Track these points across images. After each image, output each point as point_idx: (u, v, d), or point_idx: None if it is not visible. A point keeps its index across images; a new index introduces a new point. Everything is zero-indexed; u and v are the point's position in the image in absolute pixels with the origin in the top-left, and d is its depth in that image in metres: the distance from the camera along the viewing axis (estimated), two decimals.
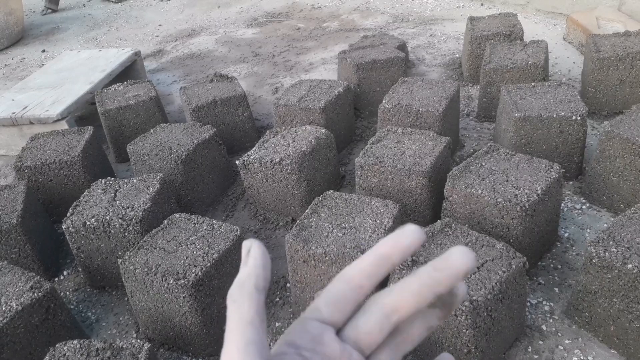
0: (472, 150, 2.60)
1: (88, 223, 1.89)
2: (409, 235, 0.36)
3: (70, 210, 1.97)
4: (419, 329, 0.37)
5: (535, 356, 1.58)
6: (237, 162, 2.28)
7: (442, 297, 0.36)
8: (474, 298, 1.36)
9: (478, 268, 1.46)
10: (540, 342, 1.62)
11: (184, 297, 1.58)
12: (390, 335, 0.37)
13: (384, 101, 2.43)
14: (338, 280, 0.37)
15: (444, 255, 0.35)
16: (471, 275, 1.43)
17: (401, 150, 2.06)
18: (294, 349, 0.35)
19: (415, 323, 0.37)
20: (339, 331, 0.37)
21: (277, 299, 1.91)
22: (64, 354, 1.39)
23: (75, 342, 1.41)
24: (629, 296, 1.44)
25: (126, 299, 1.97)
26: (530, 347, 1.61)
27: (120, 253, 1.91)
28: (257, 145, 2.29)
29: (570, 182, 2.30)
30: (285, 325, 1.80)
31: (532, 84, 2.37)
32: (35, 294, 1.59)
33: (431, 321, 0.37)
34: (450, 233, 1.61)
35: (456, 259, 0.34)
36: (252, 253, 0.37)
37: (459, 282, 0.35)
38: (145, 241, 1.74)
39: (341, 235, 1.65)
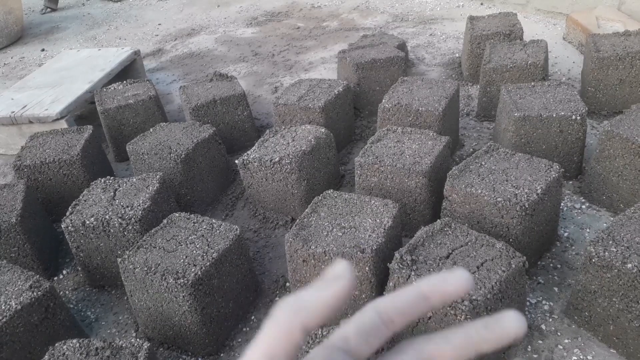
0: (471, 149, 2.60)
1: (87, 222, 1.88)
2: (456, 280, 0.35)
3: (70, 209, 1.97)
4: None
5: (535, 355, 1.58)
6: (236, 161, 2.28)
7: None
8: (474, 297, 1.36)
9: (478, 267, 1.46)
10: (540, 342, 1.62)
11: (183, 297, 1.58)
12: None
13: (383, 100, 2.43)
14: (370, 310, 0.35)
15: (497, 316, 0.34)
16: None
17: (401, 150, 2.06)
18: None
19: None
20: None
21: (277, 298, 1.91)
22: (64, 353, 1.39)
23: (74, 341, 1.41)
24: (628, 296, 1.44)
25: (125, 298, 1.97)
26: (529, 346, 1.61)
27: (119, 252, 1.91)
28: (256, 144, 2.29)
29: (570, 182, 2.30)
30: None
31: (532, 83, 2.37)
32: (35, 293, 1.59)
33: None
34: (450, 232, 1.61)
35: (511, 323, 0.33)
36: (337, 287, 0.33)
37: (505, 345, 0.33)
38: (144, 240, 1.74)
39: (341, 234, 1.65)
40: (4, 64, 4.74)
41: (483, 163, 1.89)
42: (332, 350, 0.33)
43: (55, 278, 2.15)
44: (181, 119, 3.28)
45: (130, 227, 1.87)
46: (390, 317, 0.34)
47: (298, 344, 0.32)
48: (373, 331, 0.34)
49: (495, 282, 1.41)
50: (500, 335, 0.33)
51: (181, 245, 1.71)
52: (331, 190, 1.87)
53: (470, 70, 3.22)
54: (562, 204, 2.12)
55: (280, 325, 0.32)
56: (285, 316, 0.32)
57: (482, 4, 4.65)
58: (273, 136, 2.33)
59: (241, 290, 1.81)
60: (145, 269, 1.61)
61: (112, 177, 2.14)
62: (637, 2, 3.55)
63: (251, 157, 2.20)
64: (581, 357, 1.56)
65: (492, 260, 1.48)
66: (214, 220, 1.81)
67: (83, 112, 3.51)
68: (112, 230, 1.88)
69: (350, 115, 2.81)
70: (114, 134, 2.86)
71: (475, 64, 3.17)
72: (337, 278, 0.34)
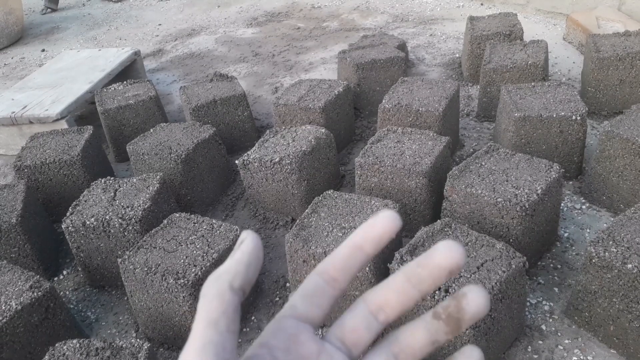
0: (472, 150, 2.60)
1: (88, 222, 1.88)
2: (381, 222, 0.34)
3: (70, 209, 1.97)
4: (421, 340, 0.34)
5: (535, 356, 1.58)
6: (236, 161, 2.28)
7: (449, 310, 0.33)
8: None
9: (478, 268, 1.46)
10: (540, 342, 1.62)
11: (183, 297, 1.58)
12: (386, 340, 0.35)
13: (383, 101, 2.43)
14: (312, 275, 0.36)
15: (430, 250, 0.33)
16: (470, 275, 1.43)
17: (401, 150, 2.06)
18: (267, 350, 0.33)
19: (417, 334, 0.34)
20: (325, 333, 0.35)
21: (277, 299, 1.91)
22: (64, 354, 1.39)
23: (74, 341, 1.41)
24: (628, 296, 1.44)
25: (126, 298, 1.97)
26: (529, 346, 1.61)
27: (119, 252, 1.91)
28: (256, 144, 2.29)
29: (570, 182, 2.30)
30: None
31: (532, 83, 2.37)
32: (35, 294, 1.59)
33: (436, 335, 0.33)
34: (450, 233, 1.61)
35: (440, 255, 0.32)
36: (242, 247, 0.35)
37: (444, 280, 0.33)
38: (144, 241, 1.74)
39: (341, 235, 1.65)
40: (5, 64, 4.75)
41: (483, 163, 1.90)
42: (282, 320, 0.34)
43: (56, 278, 2.15)
44: (181, 119, 3.29)
45: (130, 228, 1.87)
46: (332, 276, 0.35)
47: (231, 301, 0.33)
48: (318, 292, 0.35)
49: (496, 283, 1.41)
50: (433, 271, 0.33)
51: (181, 245, 1.71)
52: (331, 191, 1.87)
53: (471, 70, 3.22)
54: (562, 204, 2.11)
55: (209, 294, 0.33)
56: (210, 286, 0.33)
57: (482, 4, 4.66)
58: (273, 136, 2.33)
59: None
60: (146, 269, 1.62)
61: (112, 178, 2.14)
62: (637, 2, 3.55)
63: (251, 157, 2.20)
64: (581, 357, 1.56)
65: (492, 260, 1.48)
66: (214, 221, 1.81)
67: (83, 112, 3.51)
68: (112, 231, 1.88)
69: (351, 116, 2.81)
70: (114, 134, 2.86)
71: (475, 64, 3.17)
72: (240, 242, 0.35)
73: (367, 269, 1.57)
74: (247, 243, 0.35)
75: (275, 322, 0.35)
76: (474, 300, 0.32)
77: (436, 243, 0.33)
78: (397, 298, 0.34)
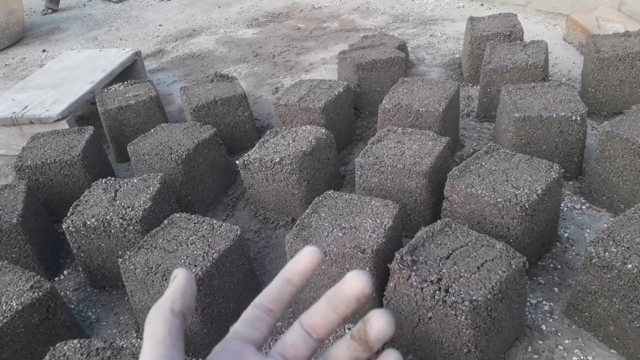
0: (472, 150, 2.60)
1: (88, 223, 1.89)
2: (303, 258, 0.40)
3: (71, 209, 1.97)
4: (345, 356, 0.39)
5: (535, 356, 1.58)
6: (237, 162, 2.28)
7: (359, 333, 0.37)
8: (474, 298, 1.36)
9: (478, 268, 1.46)
10: (540, 342, 1.62)
11: None
12: (322, 355, 0.40)
13: (384, 101, 2.43)
14: (250, 307, 0.41)
15: (342, 279, 0.38)
16: (470, 276, 1.43)
17: (401, 150, 2.06)
18: None
19: (342, 351, 0.39)
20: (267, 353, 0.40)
21: None
22: (64, 354, 1.39)
23: (75, 341, 1.41)
24: (628, 296, 1.44)
25: (126, 298, 1.97)
26: (530, 346, 1.61)
27: (120, 253, 1.92)
28: (257, 145, 2.29)
29: (570, 182, 2.30)
30: (285, 325, 1.81)
31: (532, 84, 2.37)
32: (36, 294, 1.59)
33: (355, 353, 0.38)
34: (450, 233, 1.61)
35: (348, 285, 0.37)
36: (176, 279, 0.40)
37: (354, 306, 0.38)
38: (145, 241, 1.74)
39: (341, 235, 1.65)
40: (5, 64, 4.75)
41: (483, 163, 1.90)
42: (228, 341, 0.40)
43: (56, 278, 2.16)
44: (182, 119, 3.29)
45: (131, 228, 1.87)
46: (267, 307, 0.41)
47: (173, 322, 0.37)
48: (257, 319, 0.41)
49: (496, 283, 1.41)
50: (343, 299, 0.38)
51: (182, 245, 1.71)
52: (331, 191, 1.88)
53: (471, 70, 3.22)
54: (562, 205, 2.12)
55: (153, 319, 0.37)
56: (154, 314, 0.38)
57: (482, 4, 4.66)
58: (273, 137, 2.33)
59: (242, 290, 1.81)
60: (146, 269, 1.62)
61: (113, 178, 2.14)
62: (638, 3, 3.55)
63: (252, 157, 2.21)
64: (581, 357, 1.56)
65: (492, 260, 1.48)
66: (214, 221, 1.81)
67: (84, 112, 3.52)
68: (112, 231, 1.89)
69: (351, 116, 2.81)
70: (115, 134, 2.87)
71: (475, 64, 3.17)
72: (174, 277, 0.40)
73: (367, 268, 1.57)
74: (180, 276, 0.40)
75: (222, 343, 0.40)
76: (375, 324, 0.36)
77: (347, 273, 0.38)
78: (322, 321, 0.39)
